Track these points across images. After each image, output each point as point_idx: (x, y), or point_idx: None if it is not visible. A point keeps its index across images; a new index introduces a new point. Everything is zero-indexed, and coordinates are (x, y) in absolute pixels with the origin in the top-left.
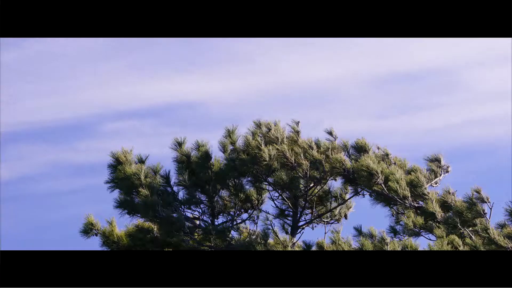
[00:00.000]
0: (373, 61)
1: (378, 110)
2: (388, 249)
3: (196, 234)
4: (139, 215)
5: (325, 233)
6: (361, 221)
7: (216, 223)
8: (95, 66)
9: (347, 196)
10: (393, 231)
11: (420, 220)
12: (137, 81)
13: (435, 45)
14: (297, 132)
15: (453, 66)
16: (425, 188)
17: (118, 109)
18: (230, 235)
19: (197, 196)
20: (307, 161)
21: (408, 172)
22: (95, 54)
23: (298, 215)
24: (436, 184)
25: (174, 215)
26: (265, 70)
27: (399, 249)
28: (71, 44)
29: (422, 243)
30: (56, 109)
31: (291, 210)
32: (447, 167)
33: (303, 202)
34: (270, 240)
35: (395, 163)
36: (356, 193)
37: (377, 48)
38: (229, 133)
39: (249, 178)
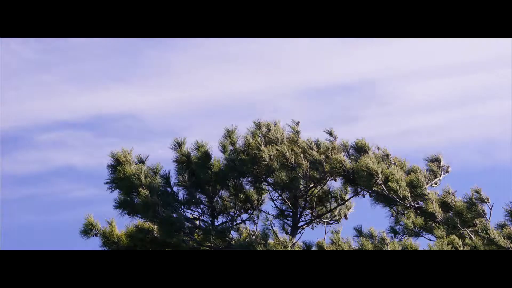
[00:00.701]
0: (305, 74)
1: (310, 121)
2: (388, 250)
3: (196, 235)
4: (139, 216)
5: (325, 233)
6: (361, 222)
7: (216, 223)
8: (31, 77)
9: (347, 197)
10: (393, 232)
11: (420, 220)
12: (73, 92)
13: (363, 58)
14: (297, 133)
15: (381, 79)
16: (425, 189)
17: (53, 119)
18: (230, 236)
19: (197, 197)
20: (307, 161)
21: (408, 173)
22: (31, 65)
23: (298, 216)
24: (436, 184)
25: (174, 215)
26: (199, 82)
27: (399, 249)
28: (7, 55)
29: (422, 243)
30: None
31: (291, 211)
32: (447, 167)
33: (303, 203)
34: (270, 241)
35: (395, 164)
36: (356, 193)
37: (309, 61)
38: (229, 134)
39: (249, 179)
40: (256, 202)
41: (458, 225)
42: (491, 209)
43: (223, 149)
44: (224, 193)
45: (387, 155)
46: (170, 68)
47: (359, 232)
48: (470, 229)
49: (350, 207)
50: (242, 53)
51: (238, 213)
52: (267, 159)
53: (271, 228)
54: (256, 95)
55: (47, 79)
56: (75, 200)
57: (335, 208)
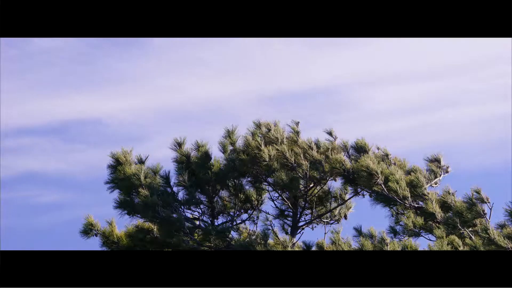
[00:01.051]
0: (264, 80)
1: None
2: (388, 250)
3: (196, 235)
4: (139, 216)
5: (325, 233)
6: (361, 222)
7: (216, 223)
8: None
9: (347, 197)
10: (393, 232)
11: (420, 220)
12: (37, 98)
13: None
14: (297, 133)
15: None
16: (425, 189)
17: (18, 125)
18: (230, 236)
19: (197, 197)
20: (307, 161)
21: (408, 173)
22: None
23: (298, 216)
24: (436, 184)
25: (174, 215)
26: (163, 88)
27: (399, 249)
28: None
29: (422, 243)
30: None
31: (291, 211)
32: (447, 167)
33: (303, 203)
34: (270, 241)
35: (395, 164)
36: (356, 193)
37: (270, 67)
38: (229, 134)
39: (249, 179)
40: (256, 202)
41: (458, 225)
42: (491, 209)
43: (223, 149)
44: (224, 193)
45: (387, 155)
46: (136, 74)
47: (359, 232)
48: (470, 229)
49: (350, 207)
50: (211, 57)
51: (238, 213)
52: (267, 159)
53: (271, 228)
54: (221, 100)
55: (13, 85)
56: (42, 205)
57: (335, 208)
